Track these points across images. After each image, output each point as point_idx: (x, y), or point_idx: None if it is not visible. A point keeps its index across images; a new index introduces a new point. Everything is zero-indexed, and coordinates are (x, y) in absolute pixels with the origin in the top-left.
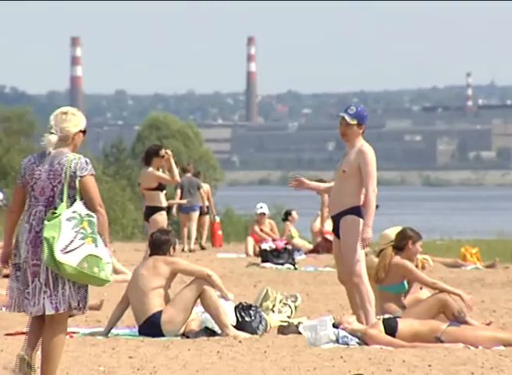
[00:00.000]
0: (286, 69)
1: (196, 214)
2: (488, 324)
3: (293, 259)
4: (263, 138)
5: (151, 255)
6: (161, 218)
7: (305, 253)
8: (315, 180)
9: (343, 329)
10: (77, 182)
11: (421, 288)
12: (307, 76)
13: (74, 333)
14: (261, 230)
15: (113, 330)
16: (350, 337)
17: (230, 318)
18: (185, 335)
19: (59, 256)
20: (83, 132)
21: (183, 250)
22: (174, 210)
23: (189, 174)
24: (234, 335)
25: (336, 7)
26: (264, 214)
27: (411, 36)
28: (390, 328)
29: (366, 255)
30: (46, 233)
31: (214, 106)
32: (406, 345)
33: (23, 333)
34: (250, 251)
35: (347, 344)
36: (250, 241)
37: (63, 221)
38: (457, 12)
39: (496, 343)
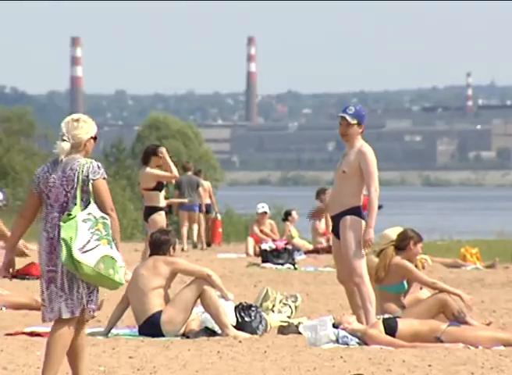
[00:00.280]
0: (286, 69)
1: (196, 214)
2: (488, 324)
3: (293, 259)
4: (263, 138)
5: (150, 255)
6: (160, 218)
7: (305, 253)
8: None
9: (343, 329)
10: (90, 186)
11: (421, 288)
12: (307, 76)
13: None
14: (261, 230)
15: (113, 330)
16: (350, 337)
17: (230, 318)
18: (185, 335)
19: (77, 255)
20: (94, 138)
21: (182, 250)
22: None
23: (190, 173)
24: (234, 335)
25: (335, 7)
26: (265, 213)
27: (411, 36)
28: (390, 328)
29: (366, 254)
30: (63, 234)
31: (214, 106)
32: (406, 345)
33: (23, 333)
34: (251, 251)
35: (347, 344)
36: (251, 241)
37: (79, 222)
38: (457, 12)
39: (496, 343)
